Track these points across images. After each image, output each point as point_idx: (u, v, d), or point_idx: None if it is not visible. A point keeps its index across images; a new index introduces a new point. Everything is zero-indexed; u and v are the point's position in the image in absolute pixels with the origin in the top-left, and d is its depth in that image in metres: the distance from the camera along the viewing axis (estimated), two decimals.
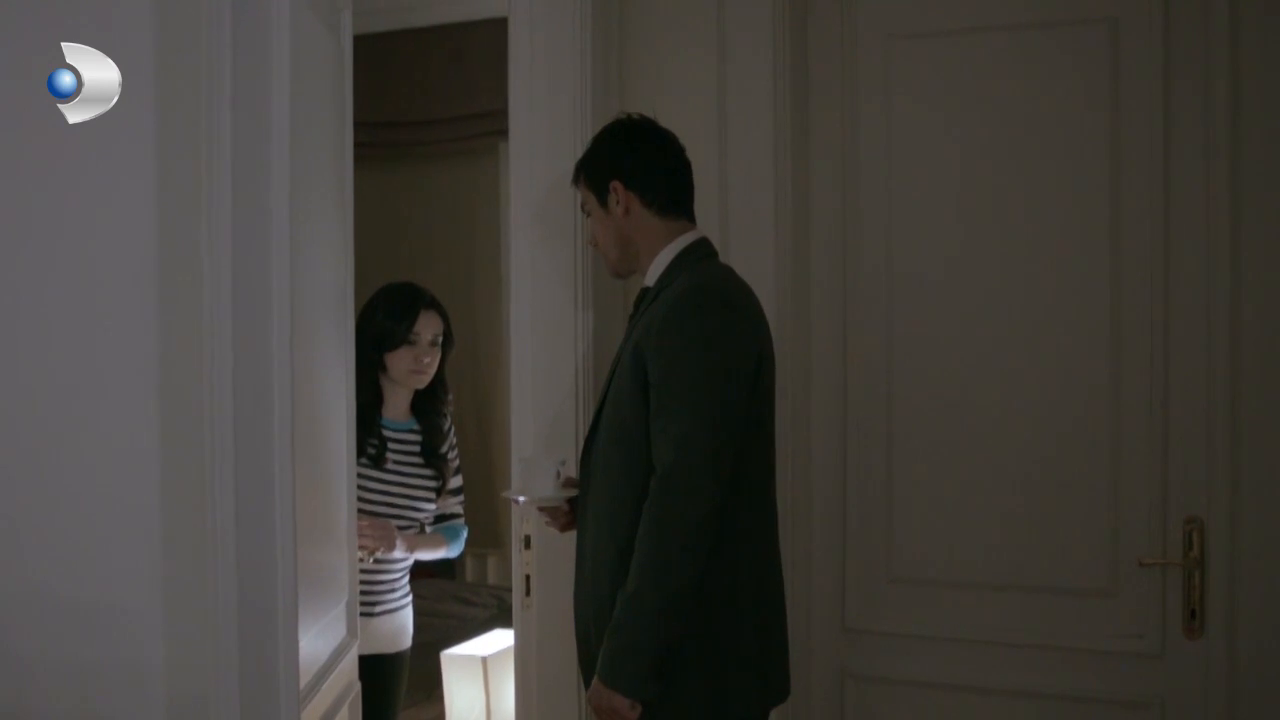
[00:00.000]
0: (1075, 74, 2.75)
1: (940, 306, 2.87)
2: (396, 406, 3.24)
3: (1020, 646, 2.82)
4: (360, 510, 3.05)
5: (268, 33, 1.85)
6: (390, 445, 3.19)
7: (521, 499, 2.58)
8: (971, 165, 2.85)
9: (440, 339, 3.22)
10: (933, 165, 2.88)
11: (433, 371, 3.23)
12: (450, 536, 3.34)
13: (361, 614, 3.09)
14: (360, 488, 3.05)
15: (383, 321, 3.14)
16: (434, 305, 3.24)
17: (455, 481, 3.35)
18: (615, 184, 2.43)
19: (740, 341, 2.31)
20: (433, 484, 3.27)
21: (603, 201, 2.45)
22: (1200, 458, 2.66)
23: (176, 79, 1.74)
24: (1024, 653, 2.81)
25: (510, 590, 3.05)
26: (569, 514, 2.54)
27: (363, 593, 3.10)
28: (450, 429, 3.35)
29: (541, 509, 2.59)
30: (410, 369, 3.18)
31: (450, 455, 3.33)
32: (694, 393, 2.23)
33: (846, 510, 2.96)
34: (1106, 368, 2.73)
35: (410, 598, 3.32)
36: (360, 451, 3.07)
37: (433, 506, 3.28)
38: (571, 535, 2.52)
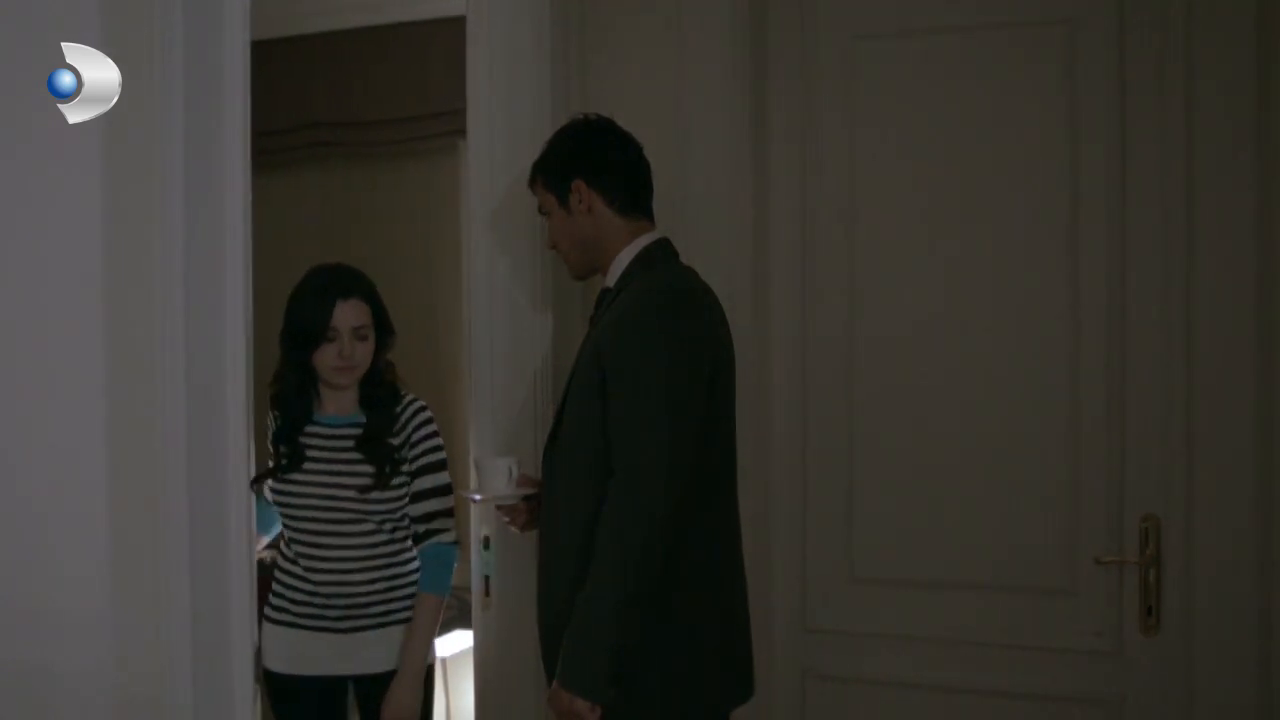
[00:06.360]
0: (1033, 74, 2.77)
1: (900, 307, 2.88)
2: (339, 402, 2.84)
3: (980, 645, 2.83)
4: (281, 514, 2.81)
5: (220, 31, 1.84)
6: (317, 444, 2.81)
7: (478, 497, 2.59)
8: (931, 165, 2.85)
9: (368, 330, 2.79)
10: (892, 165, 2.88)
11: (362, 365, 2.79)
12: (432, 579, 2.85)
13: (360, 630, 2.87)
14: (278, 492, 2.81)
15: (299, 316, 2.75)
16: (357, 292, 2.78)
17: (425, 482, 2.84)
18: (578, 182, 2.41)
19: (698, 341, 2.30)
20: (367, 476, 2.77)
21: (564, 201, 2.43)
22: (1156, 456, 2.68)
23: (126, 74, 1.72)
24: (984, 651, 2.83)
25: (470, 590, 3.03)
26: (526, 513, 2.54)
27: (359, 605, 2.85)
28: (412, 421, 2.86)
29: (499, 508, 2.58)
30: (334, 365, 2.76)
31: (407, 450, 2.83)
32: (651, 393, 2.22)
33: (807, 511, 2.96)
34: (1064, 368, 2.75)
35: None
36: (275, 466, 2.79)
37: (369, 505, 2.77)
38: (531, 535, 2.51)
